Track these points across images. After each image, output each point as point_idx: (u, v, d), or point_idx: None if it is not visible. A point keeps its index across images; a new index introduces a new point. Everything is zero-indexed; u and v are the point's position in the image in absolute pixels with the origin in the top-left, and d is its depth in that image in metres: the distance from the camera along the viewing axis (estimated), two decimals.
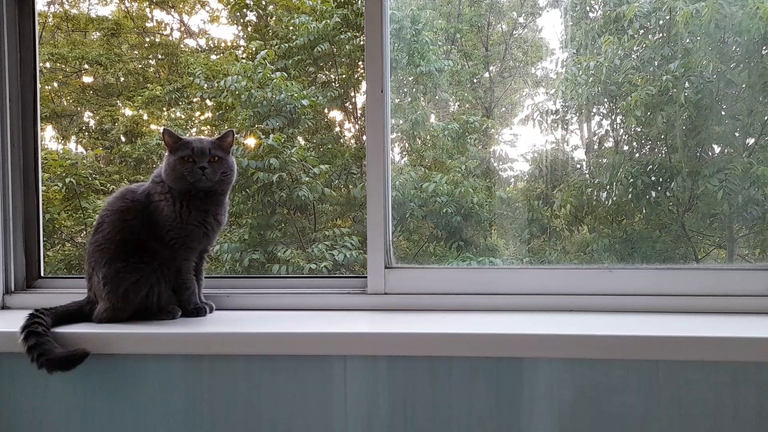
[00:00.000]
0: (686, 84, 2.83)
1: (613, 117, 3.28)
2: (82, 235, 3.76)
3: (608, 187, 3.09)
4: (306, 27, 3.84)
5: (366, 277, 1.51)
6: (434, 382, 1.20)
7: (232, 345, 1.22)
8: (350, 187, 3.72)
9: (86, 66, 4.52)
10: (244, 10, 4.32)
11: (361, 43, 3.62)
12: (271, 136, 3.54)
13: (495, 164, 3.71)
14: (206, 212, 1.37)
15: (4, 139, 1.58)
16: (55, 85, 4.60)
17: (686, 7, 2.73)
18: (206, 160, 1.33)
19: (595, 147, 3.35)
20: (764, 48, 2.70)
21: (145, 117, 4.39)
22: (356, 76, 3.97)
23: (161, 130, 1.39)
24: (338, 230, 3.48)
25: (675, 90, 2.85)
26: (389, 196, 1.52)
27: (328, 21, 3.80)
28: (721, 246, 3.07)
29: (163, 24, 4.80)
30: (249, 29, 4.39)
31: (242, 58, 4.17)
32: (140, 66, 4.67)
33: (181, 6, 4.69)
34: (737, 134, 2.93)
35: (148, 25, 4.76)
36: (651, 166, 3.02)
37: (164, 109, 4.35)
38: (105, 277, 1.30)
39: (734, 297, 1.38)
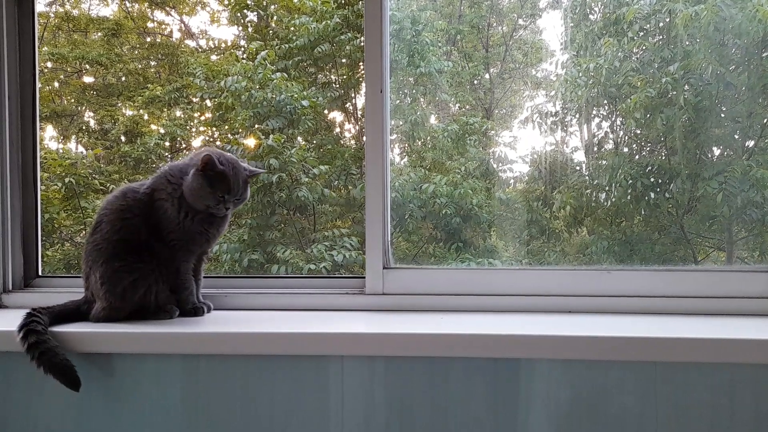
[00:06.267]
0: (686, 86, 2.83)
1: (612, 119, 3.28)
2: (81, 235, 3.76)
3: (607, 188, 3.09)
4: (306, 28, 3.84)
5: (364, 277, 1.51)
6: (432, 383, 1.20)
7: (229, 345, 1.22)
8: (350, 187, 3.72)
9: (87, 66, 4.53)
10: (245, 11, 4.32)
11: (362, 43, 3.62)
12: (271, 136, 3.54)
13: (494, 165, 3.71)
14: (210, 224, 1.37)
15: (2, 138, 1.58)
16: (56, 84, 4.61)
17: (686, 10, 2.74)
18: (235, 198, 1.34)
19: (595, 149, 3.35)
20: (764, 50, 2.70)
21: (146, 117, 4.39)
22: (356, 76, 3.97)
23: (203, 155, 1.30)
24: (338, 231, 3.48)
25: (674, 92, 2.85)
26: (388, 197, 1.52)
27: (329, 22, 3.80)
28: (721, 248, 3.07)
29: (163, 25, 4.81)
30: (249, 30, 4.39)
31: (242, 58, 4.17)
32: (140, 66, 4.67)
33: (181, 7, 4.70)
34: (737, 136, 2.93)
35: (149, 25, 4.77)
36: (650, 168, 3.02)
37: (164, 109, 4.35)
38: (102, 276, 1.29)
39: (733, 299, 1.38)
